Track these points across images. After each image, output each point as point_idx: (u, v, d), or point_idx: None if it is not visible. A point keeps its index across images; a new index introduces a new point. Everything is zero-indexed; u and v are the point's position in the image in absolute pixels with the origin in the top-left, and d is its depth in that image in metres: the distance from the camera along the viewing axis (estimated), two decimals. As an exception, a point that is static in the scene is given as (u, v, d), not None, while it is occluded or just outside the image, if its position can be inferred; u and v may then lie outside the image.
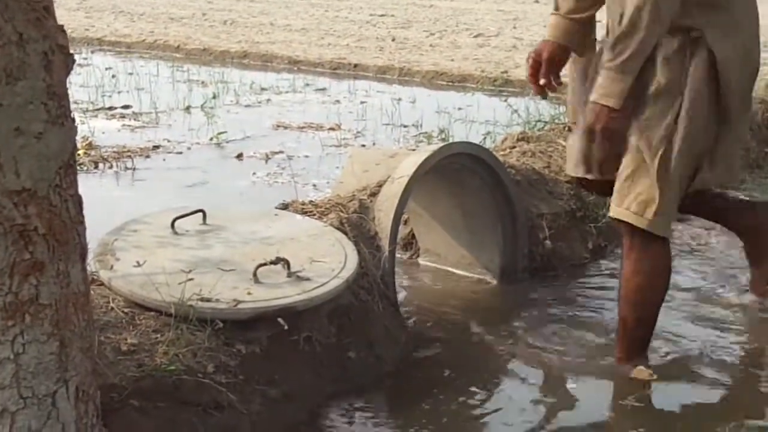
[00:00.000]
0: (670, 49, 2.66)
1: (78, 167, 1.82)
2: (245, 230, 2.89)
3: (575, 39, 2.96)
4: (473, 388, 2.80)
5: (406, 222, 3.83)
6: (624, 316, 2.84)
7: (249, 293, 2.49)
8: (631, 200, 2.71)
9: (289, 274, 2.58)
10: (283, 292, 2.53)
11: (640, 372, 2.84)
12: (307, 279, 2.59)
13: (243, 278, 2.56)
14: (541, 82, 2.97)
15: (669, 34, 2.65)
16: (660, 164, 2.67)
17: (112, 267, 2.55)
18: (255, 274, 2.55)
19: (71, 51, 1.74)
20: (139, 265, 2.54)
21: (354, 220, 3.07)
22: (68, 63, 1.71)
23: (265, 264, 2.60)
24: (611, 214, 2.81)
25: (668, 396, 2.79)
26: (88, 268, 1.85)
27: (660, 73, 2.66)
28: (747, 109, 2.92)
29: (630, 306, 2.82)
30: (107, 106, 7.53)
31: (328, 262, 2.70)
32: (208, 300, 2.42)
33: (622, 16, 2.61)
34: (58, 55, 1.67)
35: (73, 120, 1.72)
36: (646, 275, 2.79)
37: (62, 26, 1.69)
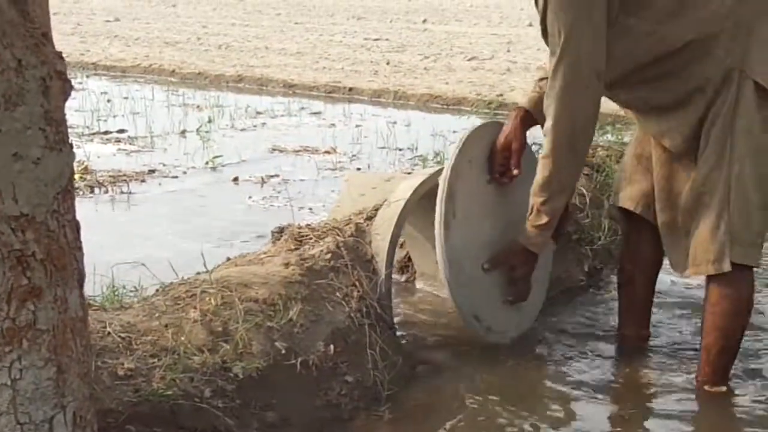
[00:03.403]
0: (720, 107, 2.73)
1: (74, 192, 1.82)
2: None
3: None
4: (470, 411, 2.79)
5: (402, 245, 3.83)
6: (707, 344, 2.86)
7: None
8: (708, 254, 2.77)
9: None
10: None
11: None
12: None
13: None
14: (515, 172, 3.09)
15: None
16: (728, 197, 2.73)
17: None
18: None
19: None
20: None
21: (350, 244, 3.07)
22: (66, 89, 1.71)
23: None
24: (691, 274, 2.90)
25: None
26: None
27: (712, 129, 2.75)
28: None
29: (715, 333, 2.84)
30: (103, 130, 7.55)
31: None
32: None
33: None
34: (56, 81, 1.67)
35: (71, 146, 1.72)
36: (733, 299, 2.81)
37: (60, 52, 1.69)
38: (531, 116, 3.02)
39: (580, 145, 2.87)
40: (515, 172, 3.08)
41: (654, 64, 2.77)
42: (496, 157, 3.08)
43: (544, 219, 2.93)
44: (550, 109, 2.79)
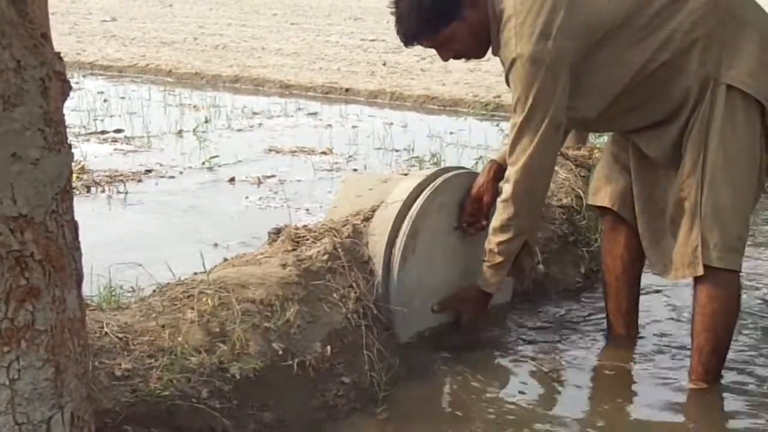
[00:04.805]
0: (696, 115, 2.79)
1: (70, 192, 1.82)
2: None
3: None
4: (467, 413, 2.80)
5: (398, 247, 3.82)
6: (699, 344, 2.88)
7: None
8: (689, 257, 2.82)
9: None
10: None
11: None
12: None
13: None
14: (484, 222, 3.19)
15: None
16: (703, 205, 2.77)
17: None
18: None
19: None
20: None
21: (347, 245, 3.08)
22: (65, 89, 1.71)
23: None
24: (674, 278, 2.95)
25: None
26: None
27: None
28: None
29: (706, 333, 2.86)
30: (99, 130, 7.54)
31: None
32: None
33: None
34: (55, 82, 1.67)
35: (70, 146, 1.72)
36: (722, 300, 2.83)
37: (59, 53, 1.69)
38: (503, 170, 3.07)
39: (538, 192, 3.00)
40: (483, 223, 3.18)
41: (635, 90, 2.84)
42: (467, 207, 3.21)
43: (499, 259, 3.04)
44: (511, 159, 2.92)
